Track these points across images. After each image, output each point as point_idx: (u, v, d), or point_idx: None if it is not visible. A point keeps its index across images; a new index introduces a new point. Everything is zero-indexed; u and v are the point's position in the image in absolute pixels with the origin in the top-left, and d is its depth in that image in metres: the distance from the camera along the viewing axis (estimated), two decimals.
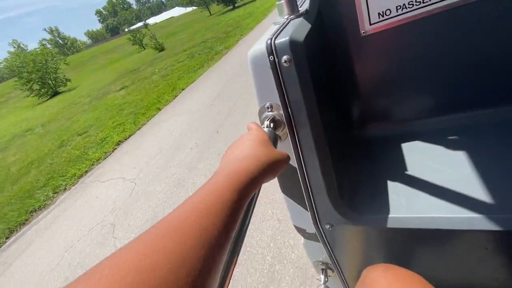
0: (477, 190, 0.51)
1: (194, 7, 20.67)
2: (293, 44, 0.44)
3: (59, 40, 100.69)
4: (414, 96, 0.70)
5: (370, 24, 0.61)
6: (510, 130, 0.60)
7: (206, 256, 0.21)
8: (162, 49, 13.02)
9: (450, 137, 0.65)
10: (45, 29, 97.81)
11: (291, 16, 0.54)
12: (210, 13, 25.06)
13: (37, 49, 13.98)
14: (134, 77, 9.00)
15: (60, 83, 13.42)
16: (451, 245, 0.52)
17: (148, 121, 4.78)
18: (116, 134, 4.63)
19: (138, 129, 4.61)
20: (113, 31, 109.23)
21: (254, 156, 0.36)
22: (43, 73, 12.57)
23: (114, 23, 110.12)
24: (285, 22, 0.53)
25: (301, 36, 0.46)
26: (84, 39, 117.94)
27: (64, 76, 13.67)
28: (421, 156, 0.63)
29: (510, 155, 0.55)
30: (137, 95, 6.66)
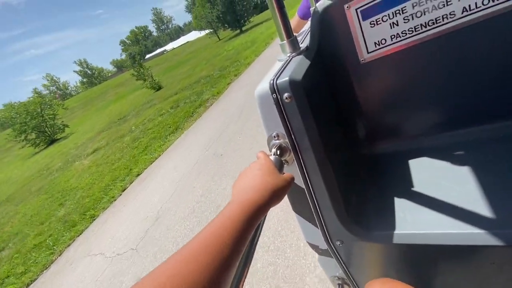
0: (483, 206, 0.51)
1: (207, 31, 20.25)
2: (292, 83, 0.50)
3: (88, 71, 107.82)
4: (418, 114, 0.70)
5: (368, 53, 0.64)
6: None
7: (222, 269, 0.29)
8: (159, 88, 11.93)
9: (456, 153, 0.66)
10: (75, 61, 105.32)
11: (293, 54, 0.59)
12: (218, 38, 24.57)
13: (31, 98, 13.55)
14: (113, 132, 7.75)
15: (57, 130, 12.76)
16: (457, 261, 0.52)
17: (65, 249, 3.17)
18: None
19: (45, 268, 2.99)
20: (135, 58, 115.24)
21: (261, 186, 0.42)
22: (38, 121, 11.95)
23: (136, 50, 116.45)
24: (287, 60, 0.58)
25: (300, 74, 0.52)
26: (110, 67, 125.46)
27: (62, 122, 13.01)
28: (427, 172, 0.64)
29: None
30: (95, 172, 5.25)
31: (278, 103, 0.51)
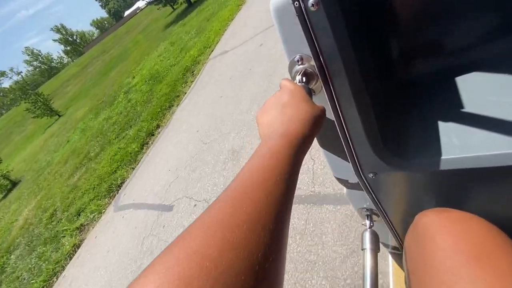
0: None
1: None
2: None
3: (69, 38, 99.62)
4: (461, 22, 0.61)
5: None
6: None
7: (275, 216, 0.25)
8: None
9: (505, 64, 0.57)
10: (51, 28, 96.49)
11: None
12: (173, 7, 18.32)
13: None
14: None
15: None
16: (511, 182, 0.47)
17: None
18: None
19: None
20: (117, 15, 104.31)
21: (301, 115, 0.36)
22: None
23: (115, 6, 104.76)
24: None
25: None
26: (92, 29, 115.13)
27: None
28: (475, 90, 0.57)
29: None
30: None
31: (302, 13, 0.40)
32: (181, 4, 14.19)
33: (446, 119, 0.55)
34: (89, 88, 14.02)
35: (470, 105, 0.54)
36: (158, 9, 14.00)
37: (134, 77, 8.45)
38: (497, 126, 0.48)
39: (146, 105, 5.66)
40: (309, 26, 0.41)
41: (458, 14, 0.60)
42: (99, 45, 41.05)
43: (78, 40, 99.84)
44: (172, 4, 13.80)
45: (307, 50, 0.44)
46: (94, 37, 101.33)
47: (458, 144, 0.49)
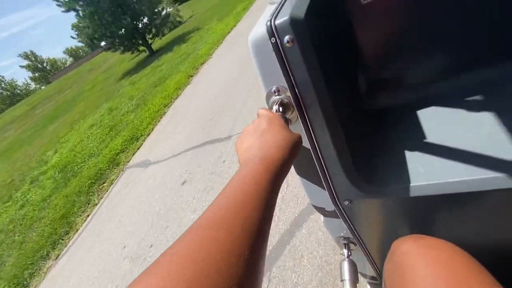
0: (496, 149, 0.50)
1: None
2: (294, 22, 0.43)
3: (38, 64, 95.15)
4: (424, 59, 0.68)
5: None
6: None
7: (251, 244, 0.24)
8: None
9: (464, 98, 0.64)
10: (20, 55, 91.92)
11: None
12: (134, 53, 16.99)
13: None
14: None
15: None
16: (476, 208, 0.51)
17: None
18: None
19: None
20: (93, 44, 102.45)
21: (280, 141, 0.37)
22: None
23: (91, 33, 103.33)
24: (281, 1, 0.51)
25: (301, 13, 0.45)
26: (65, 57, 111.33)
27: None
28: (436, 121, 0.62)
29: None
30: None
31: (278, 49, 0.44)
32: (142, 51, 12.85)
33: (411, 148, 0.59)
34: (23, 142, 11.76)
35: (431, 135, 0.59)
36: (120, 53, 12.45)
37: (55, 152, 6.60)
38: (457, 155, 0.52)
39: (29, 231, 3.82)
40: (285, 61, 0.45)
41: (419, 52, 0.67)
42: (59, 82, 38.70)
43: (48, 67, 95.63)
44: (132, 51, 12.38)
45: (283, 82, 0.47)
46: (66, 65, 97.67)
47: (423, 172, 0.53)
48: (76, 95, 15.59)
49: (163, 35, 13.27)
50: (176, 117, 4.51)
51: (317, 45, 0.46)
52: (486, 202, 0.49)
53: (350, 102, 0.68)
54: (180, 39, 11.57)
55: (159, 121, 4.83)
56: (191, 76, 6.14)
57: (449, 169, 0.50)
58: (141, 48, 12.47)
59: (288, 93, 0.47)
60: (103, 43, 11.53)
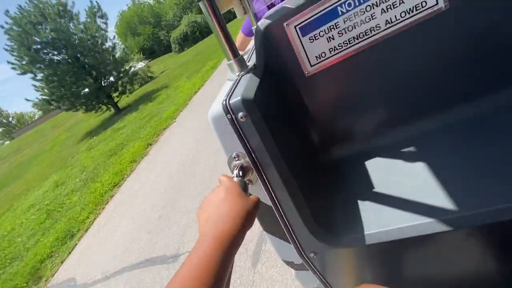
0: (432, 195, 0.55)
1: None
2: (245, 101, 0.50)
3: (3, 119, 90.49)
4: (366, 116, 0.75)
5: (311, 66, 0.68)
6: (459, 130, 0.66)
7: None
8: None
9: (404, 148, 0.70)
10: None
11: (242, 73, 0.60)
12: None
13: None
14: None
15: None
16: (424, 250, 0.54)
17: None
18: None
19: None
20: None
21: (233, 212, 0.41)
22: None
23: None
24: (236, 79, 0.59)
25: (251, 92, 0.52)
26: (33, 111, 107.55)
27: None
28: (382, 171, 0.68)
29: (463, 154, 0.60)
30: None
31: (234, 123, 0.51)
32: (107, 109, 12.22)
33: (363, 197, 0.63)
34: None
35: (380, 184, 0.65)
36: (82, 112, 11.65)
37: None
38: (401, 202, 0.57)
39: None
40: (241, 132, 0.51)
41: (361, 109, 0.73)
42: (20, 139, 36.46)
43: (14, 122, 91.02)
44: (95, 110, 11.70)
45: (241, 149, 0.53)
46: (34, 119, 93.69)
47: (374, 220, 0.57)
48: (33, 157, 14.21)
49: (131, 92, 12.84)
50: (121, 208, 3.71)
51: (267, 116, 0.54)
52: (428, 246, 0.54)
53: (305, 157, 0.75)
54: (148, 97, 11.19)
55: (103, 208, 3.99)
56: (150, 145, 5.50)
57: (396, 216, 0.56)
58: (106, 107, 11.85)
59: (247, 158, 0.53)
60: (61, 105, 10.77)
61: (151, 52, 40.02)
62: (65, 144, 12.31)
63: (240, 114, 0.49)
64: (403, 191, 0.59)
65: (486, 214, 0.48)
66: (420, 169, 0.62)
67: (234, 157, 0.54)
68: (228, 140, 0.53)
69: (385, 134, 0.74)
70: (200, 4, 0.53)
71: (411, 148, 0.69)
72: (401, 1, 0.58)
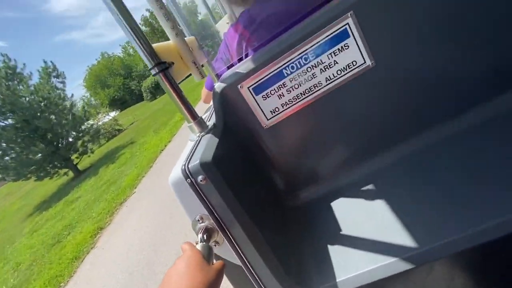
0: (397, 232, 0.56)
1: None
2: (203, 165, 0.51)
3: None
4: (326, 157, 0.78)
5: (268, 120, 0.73)
6: (412, 161, 0.70)
7: None
8: None
9: (364, 187, 0.73)
10: None
11: (202, 134, 0.63)
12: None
13: None
14: None
15: None
16: None
17: None
18: None
19: None
20: None
21: (194, 287, 0.40)
22: None
23: None
24: (197, 141, 0.61)
25: (210, 154, 0.53)
26: None
27: None
28: (346, 211, 0.70)
29: (416, 186, 0.63)
30: None
31: (194, 186, 0.52)
32: (64, 174, 10.82)
33: (331, 242, 0.63)
34: None
35: (345, 226, 0.65)
36: (34, 180, 10.13)
37: None
38: (366, 244, 0.58)
39: None
40: (202, 194, 0.52)
41: (320, 152, 0.77)
42: None
43: None
44: (50, 177, 10.28)
45: (204, 211, 0.53)
46: None
47: (344, 265, 0.57)
48: None
49: (93, 152, 11.65)
50: None
51: (228, 174, 0.55)
52: (400, 285, 0.53)
53: (272, 206, 0.76)
54: (111, 156, 10.09)
55: None
56: (101, 230, 4.39)
57: (364, 258, 0.56)
58: (63, 171, 10.50)
59: (211, 220, 0.53)
60: (6, 177, 9.33)
61: (123, 102, 39.35)
62: (14, 217, 10.52)
63: (200, 177, 0.51)
64: (368, 231, 0.60)
65: (446, 246, 0.49)
66: (380, 206, 0.64)
67: (198, 220, 0.55)
68: (191, 204, 0.53)
69: (346, 173, 0.77)
70: (157, 77, 0.56)
71: (370, 186, 0.72)
72: (335, 62, 0.66)
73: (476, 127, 0.67)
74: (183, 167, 0.51)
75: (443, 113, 0.70)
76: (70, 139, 10.65)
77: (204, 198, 0.51)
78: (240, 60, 0.74)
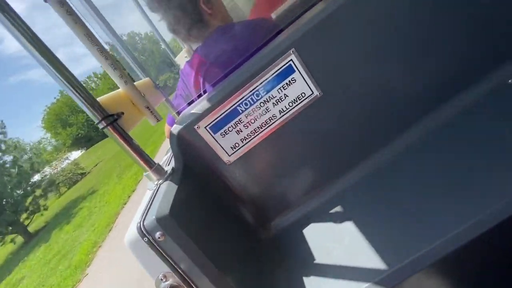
0: (366, 256, 0.56)
1: None
2: (160, 220, 0.47)
3: None
4: (292, 184, 0.78)
5: (229, 156, 0.72)
6: (379, 176, 0.71)
7: None
8: None
9: (333, 208, 0.72)
10: None
11: (160, 181, 0.60)
12: None
13: None
14: None
15: None
16: None
17: None
18: None
19: None
20: None
21: None
22: None
23: None
24: (155, 190, 0.58)
25: (167, 206, 0.50)
26: None
27: None
28: (317, 238, 0.69)
29: (384, 204, 0.63)
30: None
31: (152, 244, 0.48)
32: (11, 240, 9.01)
33: (305, 272, 0.62)
34: None
35: (317, 254, 0.64)
36: None
37: None
38: (335, 271, 0.57)
39: None
40: (162, 251, 0.48)
41: (284, 182, 0.76)
42: None
43: None
44: None
45: (166, 269, 0.49)
46: None
47: None
48: None
49: (46, 209, 9.95)
50: None
51: (189, 227, 0.52)
52: None
53: (242, 242, 0.74)
54: (68, 212, 8.59)
55: None
56: None
57: (338, 287, 0.54)
58: (9, 237, 8.75)
59: (175, 277, 0.50)
60: None
61: (88, 139, 36.73)
62: None
63: (157, 234, 0.48)
64: (339, 258, 0.60)
65: (414, 263, 0.50)
66: (347, 229, 0.64)
67: (161, 279, 0.51)
68: (151, 263, 0.50)
69: (312, 198, 0.77)
70: (105, 131, 0.54)
71: (337, 208, 0.72)
72: (285, 96, 0.69)
73: (431, 135, 0.71)
74: (139, 224, 0.48)
75: (398, 127, 0.73)
76: (17, 198, 8.99)
77: (165, 256, 0.48)
78: (199, 96, 0.76)
